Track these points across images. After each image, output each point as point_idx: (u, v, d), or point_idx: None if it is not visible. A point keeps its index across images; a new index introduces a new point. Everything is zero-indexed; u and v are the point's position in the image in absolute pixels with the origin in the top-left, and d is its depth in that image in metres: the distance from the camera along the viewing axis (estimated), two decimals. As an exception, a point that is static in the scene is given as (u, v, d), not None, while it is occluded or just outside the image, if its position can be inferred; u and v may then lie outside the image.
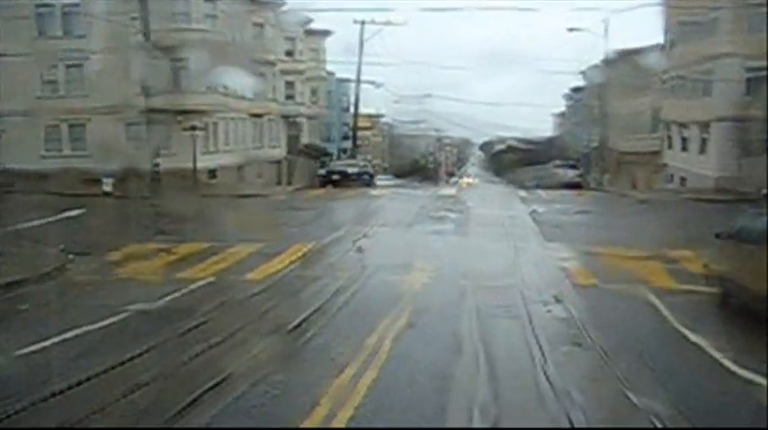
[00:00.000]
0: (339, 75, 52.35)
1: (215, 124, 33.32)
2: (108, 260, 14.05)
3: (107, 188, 28.08)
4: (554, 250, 14.54)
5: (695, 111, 32.47)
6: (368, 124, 64.43)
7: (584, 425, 5.71)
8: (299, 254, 14.41)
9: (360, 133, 60.47)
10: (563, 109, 68.09)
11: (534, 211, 21.06)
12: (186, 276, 12.08)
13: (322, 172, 33.68)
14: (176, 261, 13.90)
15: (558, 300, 10.22)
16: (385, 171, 64.88)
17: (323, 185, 31.14)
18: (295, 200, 26.14)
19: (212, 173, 32.64)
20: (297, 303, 9.96)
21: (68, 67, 31.31)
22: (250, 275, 12.23)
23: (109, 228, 19.18)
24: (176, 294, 10.40)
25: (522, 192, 28.68)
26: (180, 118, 30.03)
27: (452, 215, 20.45)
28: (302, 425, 5.71)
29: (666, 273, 12.30)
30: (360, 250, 14.85)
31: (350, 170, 32.04)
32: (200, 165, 31.33)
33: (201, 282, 11.53)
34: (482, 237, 16.44)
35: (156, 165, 27.08)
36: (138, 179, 28.01)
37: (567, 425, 5.72)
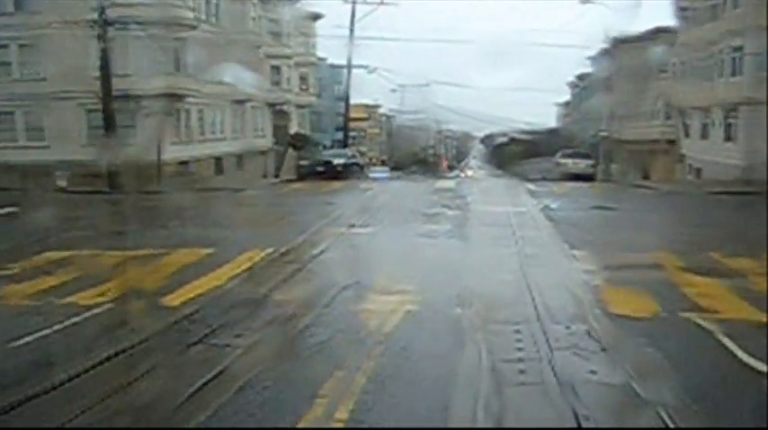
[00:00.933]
0: (332, 62, 48.79)
1: (187, 111, 29.82)
2: (3, 274, 10.78)
3: (61, 182, 24.76)
4: (578, 259, 11.06)
5: (719, 93, 28.92)
6: (364, 115, 60.89)
7: None
8: (248, 265, 11.01)
9: (356, 124, 57.14)
10: (568, 98, 64.56)
11: (547, 207, 17.56)
12: (76, 301, 8.70)
13: (305, 163, 30.10)
14: (86, 275, 10.53)
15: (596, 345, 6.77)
16: (383, 164, 61.44)
17: (306, 178, 27.60)
18: (271, 194, 22.68)
19: (185, 165, 29.17)
20: (183, 371, 6.23)
21: (21, 46, 27.75)
22: (167, 299, 8.79)
23: (37, 231, 15.75)
24: (27, 338, 6.95)
25: (530, 185, 25.14)
26: (144, 103, 26.55)
27: (450, 212, 16.96)
28: None
29: (735, 293, 8.86)
30: (327, 260, 11.40)
31: (336, 161, 28.31)
32: (170, 156, 27.89)
33: (91, 312, 8.12)
34: (485, 240, 12.95)
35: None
36: (98, 172, 24.73)
37: None
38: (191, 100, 29.48)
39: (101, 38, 22.85)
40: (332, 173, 27.04)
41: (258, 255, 11.61)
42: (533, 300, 8.56)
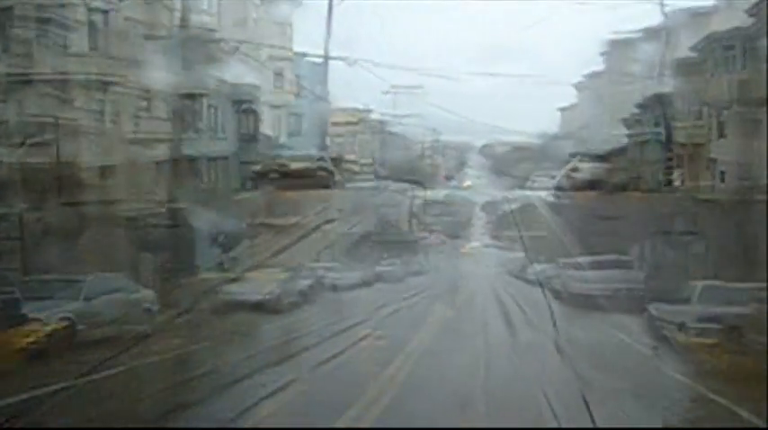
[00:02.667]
0: (314, 59, 41.89)
1: (113, 103, 22.83)
2: None
3: None
4: None
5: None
6: (353, 119, 53.96)
7: None
8: None
9: (345, 130, 50.71)
10: (575, 100, 57.87)
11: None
12: None
13: (256, 168, 23.06)
14: None
15: None
16: (376, 173, 54.75)
17: (258, 187, 20.64)
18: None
19: (108, 171, 22.11)
20: None
21: None
22: None
23: None
24: None
25: (543, 194, 18.01)
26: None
27: (432, 245, 9.84)
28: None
29: None
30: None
31: (294, 166, 21.19)
32: (86, 159, 21.10)
33: None
34: (505, 361, 5.80)
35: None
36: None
37: None
38: (117, 89, 22.52)
39: None
40: (289, 181, 19.94)
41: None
42: None
